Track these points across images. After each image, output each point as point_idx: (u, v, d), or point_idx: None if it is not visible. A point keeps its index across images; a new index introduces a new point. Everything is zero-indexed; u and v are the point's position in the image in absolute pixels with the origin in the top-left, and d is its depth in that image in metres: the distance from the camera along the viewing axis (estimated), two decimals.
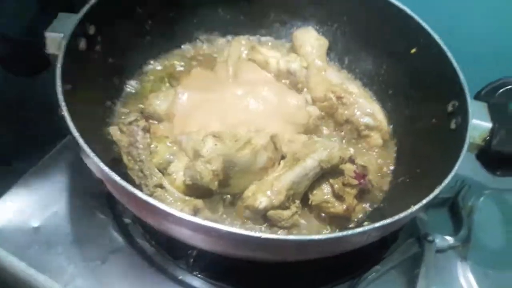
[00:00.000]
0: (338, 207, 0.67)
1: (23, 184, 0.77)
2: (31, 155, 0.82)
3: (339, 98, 0.82)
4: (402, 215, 0.55)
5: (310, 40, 0.90)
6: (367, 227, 0.52)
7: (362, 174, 0.70)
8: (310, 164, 0.66)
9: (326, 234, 0.51)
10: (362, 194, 0.71)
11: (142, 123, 0.70)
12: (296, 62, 0.86)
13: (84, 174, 0.77)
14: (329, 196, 0.68)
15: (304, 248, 0.53)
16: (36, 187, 0.77)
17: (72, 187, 0.79)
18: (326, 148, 0.67)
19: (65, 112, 0.60)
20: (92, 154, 0.56)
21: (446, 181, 0.59)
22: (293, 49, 0.92)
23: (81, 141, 0.57)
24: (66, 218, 0.74)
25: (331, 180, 0.68)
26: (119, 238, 0.73)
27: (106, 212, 0.76)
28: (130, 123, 0.69)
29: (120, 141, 0.68)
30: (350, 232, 0.51)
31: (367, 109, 0.81)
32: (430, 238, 0.75)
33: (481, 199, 0.85)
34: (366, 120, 0.81)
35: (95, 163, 0.55)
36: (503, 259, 0.78)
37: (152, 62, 0.89)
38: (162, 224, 0.56)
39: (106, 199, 0.77)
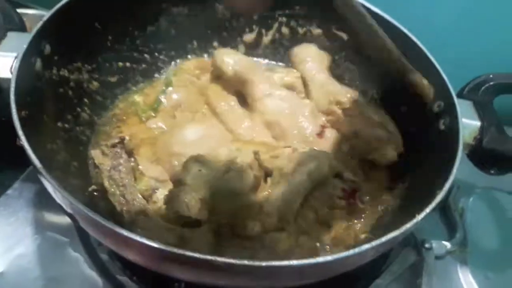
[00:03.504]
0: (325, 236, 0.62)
1: None
2: None
3: (344, 110, 0.74)
4: (408, 225, 0.51)
5: (311, 55, 0.84)
6: (374, 242, 0.48)
7: (351, 191, 0.65)
8: (298, 178, 0.61)
9: (336, 254, 0.45)
10: (352, 212, 0.66)
11: (127, 145, 0.65)
12: (289, 75, 0.81)
13: (50, 207, 0.72)
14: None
15: (309, 272, 0.48)
16: None
17: (38, 222, 0.71)
18: (314, 158, 0.62)
19: (24, 142, 0.53)
20: (59, 188, 0.49)
21: (447, 185, 0.56)
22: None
23: (44, 172, 0.51)
24: (33, 260, 0.67)
25: (315, 204, 0.63)
26: (95, 277, 0.66)
27: (78, 248, 0.69)
28: (114, 145, 0.64)
29: (102, 165, 0.62)
30: (357, 250, 0.47)
31: (376, 119, 0.73)
32: (427, 245, 0.72)
33: (471, 199, 0.83)
34: (377, 132, 0.72)
35: (65, 197, 0.49)
36: (502, 260, 0.76)
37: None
38: (149, 262, 0.49)
39: (77, 232, 0.70)
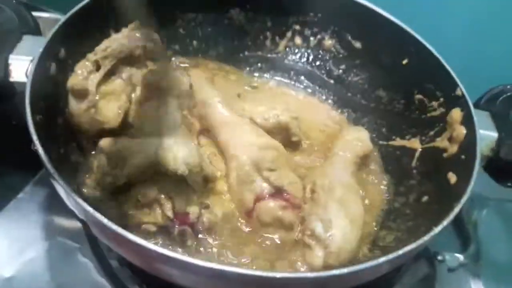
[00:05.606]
0: None
1: None
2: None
3: (313, 192, 0.65)
4: (425, 238, 0.50)
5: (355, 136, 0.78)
6: (391, 255, 0.47)
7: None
8: None
9: (351, 267, 0.45)
10: None
11: None
12: (284, 114, 0.74)
13: (61, 211, 0.71)
14: None
15: (323, 285, 0.48)
16: (7, 230, 0.69)
17: (48, 227, 0.71)
18: None
19: (38, 148, 0.53)
20: (73, 194, 0.49)
21: (465, 197, 0.55)
22: None
23: (58, 178, 0.50)
24: (43, 265, 0.66)
25: None
26: (105, 284, 0.65)
27: (88, 254, 0.68)
28: None
29: None
30: (373, 262, 0.46)
31: (330, 216, 0.60)
32: (440, 257, 0.71)
33: (484, 211, 0.82)
34: (318, 227, 0.60)
35: (79, 204, 0.48)
36: None
37: None
38: (160, 270, 0.49)
39: (87, 238, 0.69)
